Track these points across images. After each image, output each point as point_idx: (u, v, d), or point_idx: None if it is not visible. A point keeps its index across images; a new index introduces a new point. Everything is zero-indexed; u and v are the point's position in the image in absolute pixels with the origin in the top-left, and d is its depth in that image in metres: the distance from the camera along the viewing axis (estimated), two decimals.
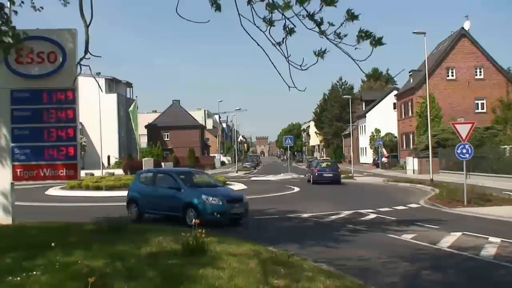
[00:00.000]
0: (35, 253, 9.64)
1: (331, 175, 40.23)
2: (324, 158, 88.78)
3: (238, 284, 7.59)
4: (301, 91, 7.16)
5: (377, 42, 6.25)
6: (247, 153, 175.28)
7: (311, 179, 40.98)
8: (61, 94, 15.33)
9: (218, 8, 6.88)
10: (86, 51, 9.53)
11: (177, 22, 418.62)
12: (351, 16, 6.21)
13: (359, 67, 6.69)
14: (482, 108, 57.45)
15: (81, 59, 9.67)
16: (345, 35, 6.34)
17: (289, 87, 6.94)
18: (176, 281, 7.68)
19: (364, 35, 6.26)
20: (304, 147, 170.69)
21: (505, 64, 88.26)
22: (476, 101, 57.60)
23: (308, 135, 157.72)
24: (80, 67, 9.89)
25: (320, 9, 6.28)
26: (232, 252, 10.20)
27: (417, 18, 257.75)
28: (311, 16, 6.33)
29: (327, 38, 6.40)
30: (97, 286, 6.58)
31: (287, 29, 6.58)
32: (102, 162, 60.91)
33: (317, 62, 6.56)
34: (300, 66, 6.69)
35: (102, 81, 69.90)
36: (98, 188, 32.58)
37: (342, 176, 42.50)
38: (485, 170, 36.43)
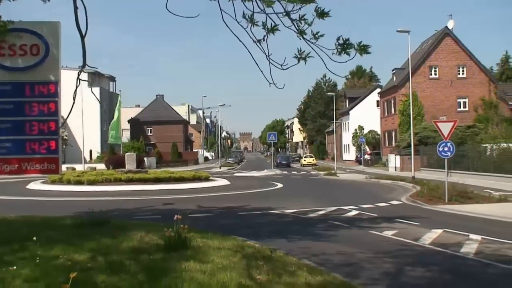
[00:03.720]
0: (16, 247, 9.57)
1: (284, 162, 75.25)
2: (308, 154, 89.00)
3: (220, 279, 7.59)
4: (280, 88, 7.18)
5: (363, 49, 6.20)
6: (231, 149, 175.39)
7: (276, 164, 71.79)
8: (43, 87, 15.18)
9: None
10: (84, 63, 9.43)
11: (162, 16, 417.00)
12: (320, 13, 6.14)
13: (333, 73, 6.76)
14: (464, 107, 58.02)
15: (79, 73, 9.58)
16: (322, 35, 6.30)
17: (269, 83, 6.96)
18: (158, 275, 7.67)
19: (343, 43, 6.20)
20: (287, 144, 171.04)
21: (487, 63, 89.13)
22: (458, 100, 58.18)
23: (292, 131, 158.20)
24: (79, 81, 9.80)
25: (297, 8, 6.23)
26: (215, 247, 10.20)
27: (401, 15, 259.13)
28: (288, 14, 6.29)
29: (304, 39, 6.37)
30: (79, 281, 6.54)
31: (268, 27, 6.56)
32: (84, 157, 60.52)
33: (298, 63, 6.56)
34: (281, 65, 6.70)
35: (85, 75, 69.30)
36: (79, 182, 32.34)
37: (324, 173, 50.61)
38: (466, 168, 36.73)
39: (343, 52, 6.19)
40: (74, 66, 55.54)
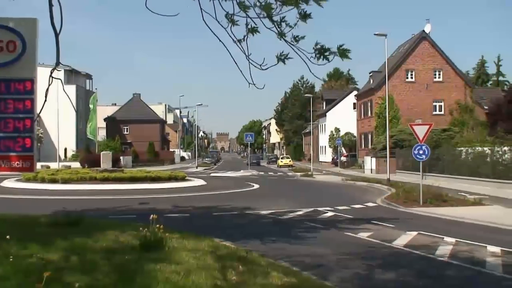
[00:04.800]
0: None
1: (254, 161, 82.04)
2: (284, 155, 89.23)
3: (195, 280, 7.57)
4: (260, 89, 7.21)
5: (342, 54, 6.23)
6: (208, 149, 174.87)
7: (249, 163, 70.23)
8: (19, 84, 14.98)
9: None
10: (58, 62, 9.31)
11: (140, 14, 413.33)
12: (303, 15, 6.17)
13: (314, 75, 6.79)
14: (440, 110, 58.63)
15: (52, 70, 9.45)
16: (302, 37, 6.33)
17: (249, 84, 6.98)
18: (132, 276, 7.61)
19: (321, 49, 6.24)
20: (264, 144, 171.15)
21: (463, 67, 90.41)
22: (434, 103, 58.79)
23: (269, 132, 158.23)
24: (52, 79, 9.66)
25: (277, 12, 6.26)
26: (190, 248, 10.17)
27: (380, 19, 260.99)
28: (269, 16, 6.31)
29: (285, 41, 6.40)
30: (52, 280, 6.47)
31: (248, 28, 6.57)
32: (59, 155, 59.89)
33: (277, 63, 6.59)
34: (261, 65, 6.71)
35: (61, 72, 68.60)
36: (54, 181, 31.98)
37: (301, 174, 50.41)
38: (441, 171, 37.17)
39: (321, 57, 6.23)
40: (51, 63, 55.04)
